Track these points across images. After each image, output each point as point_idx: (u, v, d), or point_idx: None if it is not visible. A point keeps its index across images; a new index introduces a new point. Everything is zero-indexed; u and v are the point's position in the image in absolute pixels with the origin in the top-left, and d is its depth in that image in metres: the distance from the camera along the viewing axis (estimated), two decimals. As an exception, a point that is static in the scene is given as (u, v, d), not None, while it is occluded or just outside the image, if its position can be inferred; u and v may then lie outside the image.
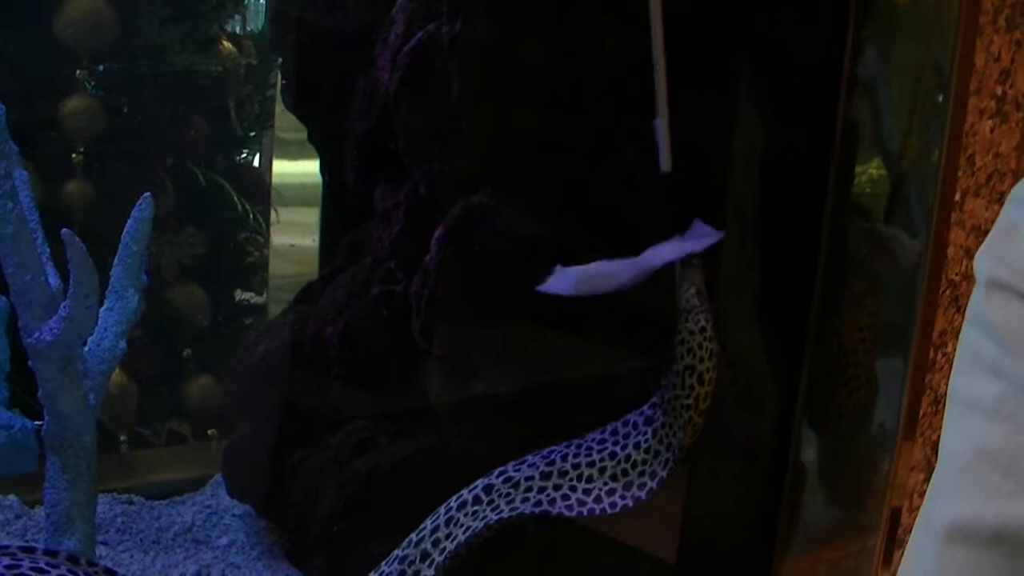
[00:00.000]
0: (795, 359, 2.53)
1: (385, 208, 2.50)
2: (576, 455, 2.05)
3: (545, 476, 2.03)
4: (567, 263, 2.23)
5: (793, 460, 2.63)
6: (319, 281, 2.70)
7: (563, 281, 1.98)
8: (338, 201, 2.84)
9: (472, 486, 2.03)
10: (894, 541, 2.59)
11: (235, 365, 2.90)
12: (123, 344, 2.19)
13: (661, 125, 2.10)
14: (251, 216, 3.32)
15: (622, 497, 1.98)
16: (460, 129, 2.33)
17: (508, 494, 2.03)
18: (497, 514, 1.99)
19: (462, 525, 2.03)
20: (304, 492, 2.52)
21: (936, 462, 0.88)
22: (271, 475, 2.62)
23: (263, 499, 2.69)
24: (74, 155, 3.19)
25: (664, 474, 1.97)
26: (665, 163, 2.08)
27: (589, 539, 2.33)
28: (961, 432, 0.84)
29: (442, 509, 2.05)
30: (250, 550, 2.71)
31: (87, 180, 3.16)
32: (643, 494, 1.97)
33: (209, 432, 3.26)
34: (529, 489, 2.02)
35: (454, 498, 2.04)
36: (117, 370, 3.16)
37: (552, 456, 2.04)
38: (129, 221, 2.17)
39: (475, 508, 2.02)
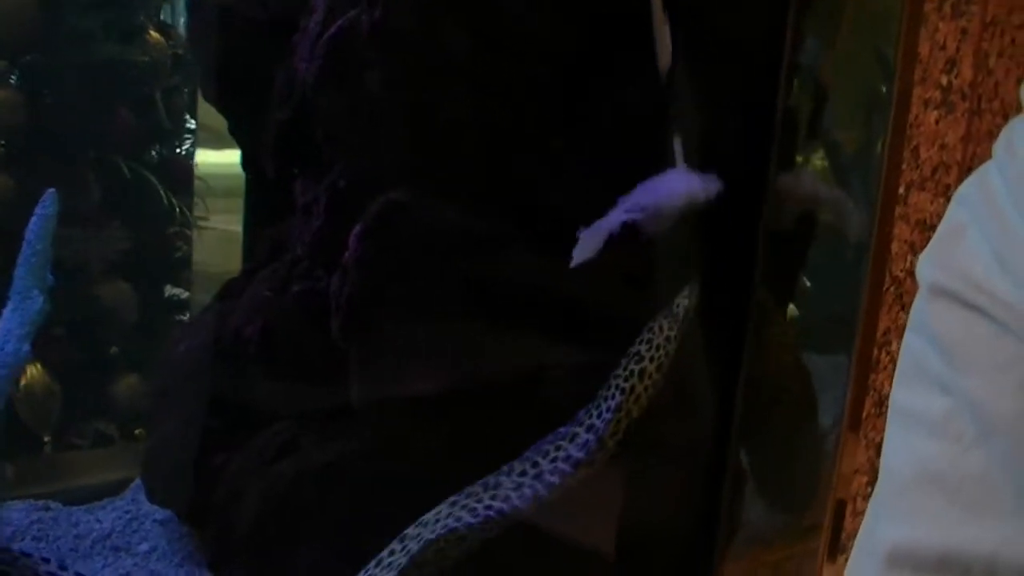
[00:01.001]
0: (733, 359, 2.44)
1: (306, 202, 2.39)
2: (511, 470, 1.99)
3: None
4: (490, 260, 2.13)
5: (731, 461, 2.54)
6: (242, 276, 2.58)
7: (590, 243, 1.94)
8: (261, 195, 2.72)
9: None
10: (839, 536, 2.52)
11: (156, 364, 2.78)
12: (26, 347, 2.07)
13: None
14: (178, 210, 3.18)
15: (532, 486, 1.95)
16: (380, 121, 2.22)
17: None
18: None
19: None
20: (226, 496, 2.40)
21: (880, 466, 0.84)
22: (192, 479, 2.50)
23: (184, 504, 2.57)
24: (-2, 149, 3.04)
25: (580, 456, 1.92)
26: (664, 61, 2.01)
27: (526, 542, 2.22)
28: (903, 448, 0.79)
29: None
30: (172, 556, 2.59)
31: (7, 175, 3.01)
32: (555, 478, 1.94)
33: (137, 432, 3.13)
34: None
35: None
36: (40, 369, 3.06)
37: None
38: (32, 219, 2.06)
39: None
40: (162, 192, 3.21)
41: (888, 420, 0.84)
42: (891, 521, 0.78)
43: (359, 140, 2.27)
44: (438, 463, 2.23)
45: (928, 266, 0.78)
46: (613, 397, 1.96)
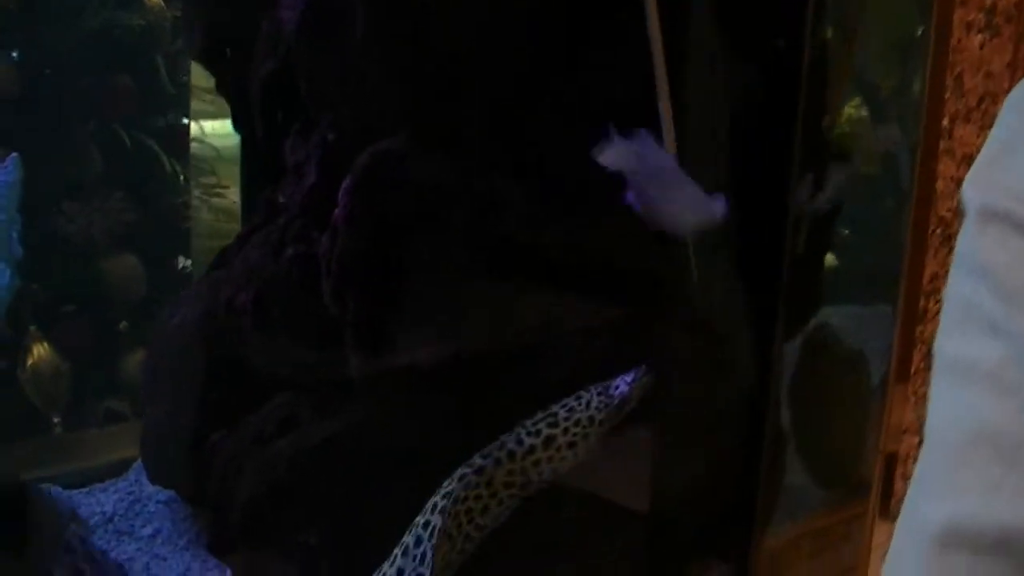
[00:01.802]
0: (769, 318, 2.25)
1: (297, 161, 2.18)
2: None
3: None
4: (484, 214, 1.92)
5: (771, 425, 2.31)
6: (236, 243, 2.37)
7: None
8: (254, 156, 2.51)
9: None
10: (891, 491, 2.32)
11: (149, 338, 2.59)
12: (-5, 325, 1.86)
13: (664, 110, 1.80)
14: (182, 178, 2.99)
15: None
16: (368, 69, 2.01)
17: None
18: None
19: None
20: (223, 476, 2.20)
21: (925, 430, 0.70)
22: (191, 458, 2.31)
23: (185, 485, 2.38)
24: (-9, 123, 2.85)
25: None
26: (670, 146, 1.77)
27: (556, 513, 2.05)
28: (952, 407, 0.66)
29: None
30: (177, 539, 2.41)
31: (4, 148, 2.81)
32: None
33: (148, 409, 2.94)
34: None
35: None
36: (47, 348, 2.89)
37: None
38: (-7, 187, 1.84)
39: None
40: (166, 160, 3.00)
41: (933, 375, 0.70)
42: (940, 495, 0.66)
43: (346, 90, 2.06)
44: (440, 436, 2.03)
45: (974, 188, 0.65)
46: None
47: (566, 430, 1.79)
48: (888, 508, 2.31)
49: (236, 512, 2.17)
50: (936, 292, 2.13)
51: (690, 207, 1.74)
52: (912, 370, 2.28)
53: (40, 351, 2.88)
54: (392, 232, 1.96)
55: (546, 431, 1.80)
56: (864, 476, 2.50)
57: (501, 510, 1.77)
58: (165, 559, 2.35)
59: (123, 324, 3.03)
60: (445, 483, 1.81)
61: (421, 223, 1.98)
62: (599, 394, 1.82)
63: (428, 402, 2.03)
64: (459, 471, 1.79)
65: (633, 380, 1.84)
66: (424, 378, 1.99)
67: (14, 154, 1.94)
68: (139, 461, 2.56)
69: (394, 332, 1.99)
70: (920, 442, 1.88)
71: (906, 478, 2.23)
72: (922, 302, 2.22)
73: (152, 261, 3.04)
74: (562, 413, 1.80)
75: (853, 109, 2.79)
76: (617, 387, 1.83)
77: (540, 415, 1.82)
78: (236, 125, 2.48)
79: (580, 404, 1.81)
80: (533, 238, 1.99)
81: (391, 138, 1.98)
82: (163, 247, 3.08)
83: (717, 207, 1.69)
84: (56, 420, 2.89)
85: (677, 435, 2.27)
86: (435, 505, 1.78)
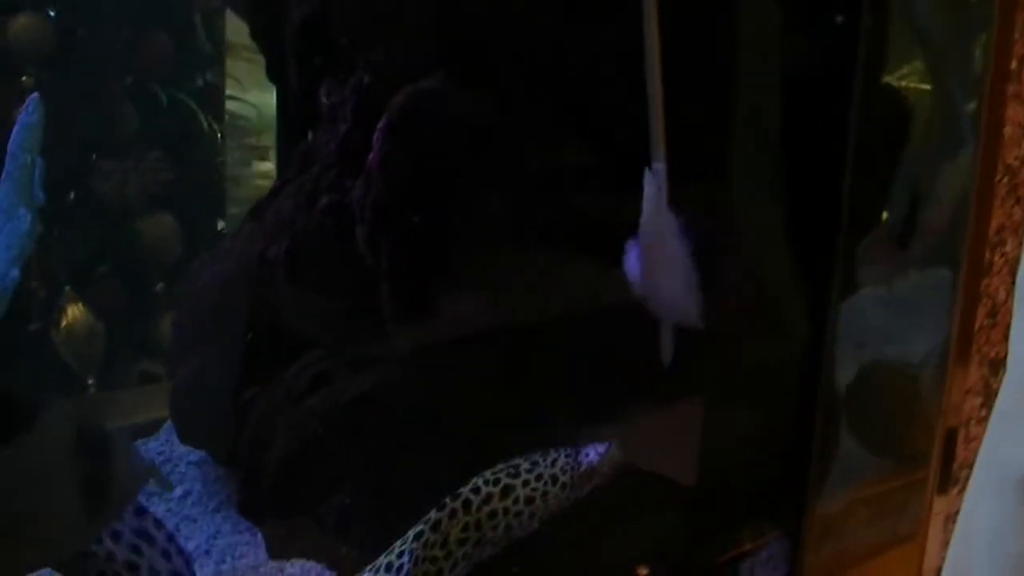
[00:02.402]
0: (824, 275, 2.14)
1: (331, 107, 2.05)
2: None
3: None
4: (529, 156, 1.77)
5: (824, 388, 2.15)
6: (269, 197, 2.24)
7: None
8: (290, 107, 2.38)
9: None
10: (950, 467, 2.16)
11: (179, 295, 2.46)
12: (15, 273, 1.74)
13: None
14: (219, 137, 2.86)
15: None
16: (404, 7, 1.87)
17: None
18: None
19: None
20: (254, 435, 2.08)
21: (997, 383, 0.69)
22: (221, 417, 2.18)
23: (214, 444, 2.26)
24: (23, 78, 2.73)
25: None
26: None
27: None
28: None
29: None
30: (207, 501, 2.28)
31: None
32: None
33: (185, 370, 2.81)
34: None
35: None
36: (82, 309, 2.77)
37: None
38: (15, 127, 1.74)
39: None
40: (204, 119, 2.87)
41: (1015, 312, 0.70)
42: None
43: (383, 30, 1.91)
44: (477, 394, 1.89)
45: None
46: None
47: (526, 482, 1.68)
48: (947, 484, 2.15)
49: (266, 472, 2.04)
50: (1002, 244, 1.97)
51: (679, 305, 1.73)
52: (976, 327, 2.11)
53: (74, 312, 2.77)
54: (430, 176, 1.82)
55: (505, 480, 1.68)
56: (921, 447, 2.33)
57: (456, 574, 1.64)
58: (195, 520, 2.23)
59: (159, 285, 2.90)
60: (399, 543, 1.70)
61: (461, 166, 1.83)
62: (567, 456, 1.72)
63: (466, 358, 1.88)
64: (415, 529, 1.68)
65: (605, 452, 1.74)
66: (463, 333, 1.84)
67: (35, 95, 1.80)
68: (169, 421, 2.43)
69: (431, 283, 1.84)
70: (983, 404, 1.70)
71: (969, 441, 2.06)
72: (987, 254, 2.05)
73: (188, 221, 2.90)
74: (525, 465, 1.70)
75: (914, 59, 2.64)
76: (587, 454, 1.73)
77: (502, 465, 1.71)
78: (270, 75, 2.34)
79: (545, 461, 1.71)
80: (578, 185, 1.84)
81: (429, 78, 1.83)
82: (200, 207, 2.94)
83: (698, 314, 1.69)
84: (90, 382, 2.77)
85: (728, 398, 2.12)
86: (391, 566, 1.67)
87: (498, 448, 1.90)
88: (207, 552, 2.14)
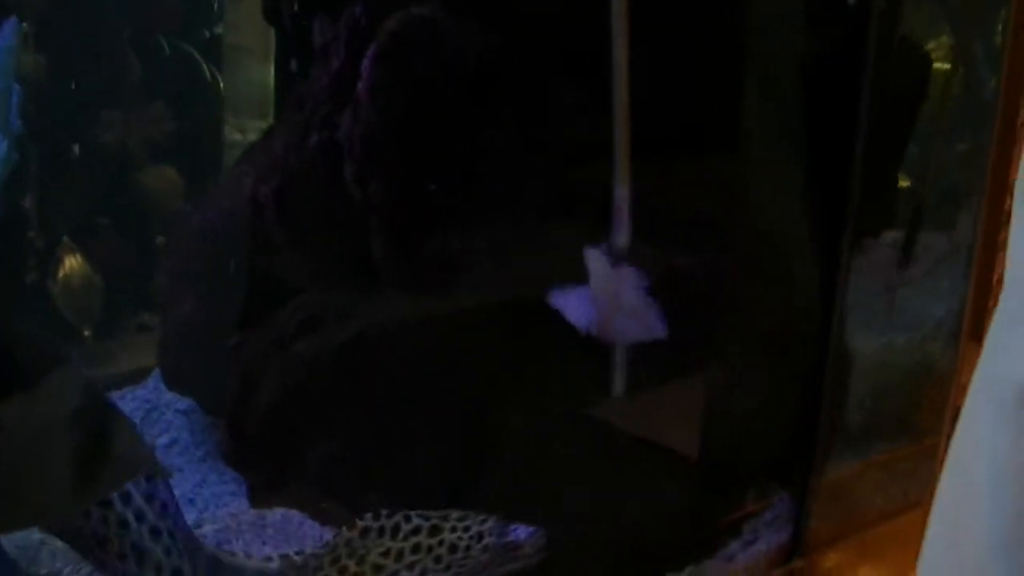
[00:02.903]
0: (835, 242, 2.05)
1: (324, 43, 1.95)
2: None
3: None
4: (525, 86, 1.65)
5: (834, 351, 2.04)
6: (263, 139, 2.13)
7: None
8: (284, 47, 2.27)
9: None
10: None
11: (169, 239, 2.36)
12: (-9, 198, 1.63)
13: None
14: (222, 87, 2.76)
15: None
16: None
17: None
18: None
19: None
20: (240, 381, 1.97)
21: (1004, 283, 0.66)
22: (208, 362, 2.08)
23: (200, 390, 2.16)
24: (24, 24, 2.63)
25: None
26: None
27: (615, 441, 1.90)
28: None
29: None
30: (194, 450, 2.19)
31: (38, 53, 2.60)
32: None
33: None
34: None
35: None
36: (80, 260, 2.68)
37: None
38: (-9, 53, 1.61)
39: None
40: (207, 70, 2.77)
41: (1014, 219, 0.67)
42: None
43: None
44: (471, 337, 1.78)
45: None
46: None
47: (453, 528, 1.60)
48: None
49: (250, 420, 1.93)
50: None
51: (636, 328, 1.70)
52: (989, 305, 1.98)
53: (72, 263, 2.68)
54: (421, 107, 1.70)
55: (435, 520, 1.60)
56: (932, 417, 2.21)
57: None
58: (181, 470, 2.14)
59: (160, 238, 2.80)
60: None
61: (454, 98, 1.72)
62: (497, 524, 1.64)
63: (458, 299, 1.77)
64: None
65: (532, 534, 1.67)
66: (454, 272, 1.73)
67: (12, 19, 1.70)
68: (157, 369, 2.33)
69: (422, 219, 1.73)
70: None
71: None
72: (1002, 232, 1.93)
73: (191, 174, 2.80)
74: (456, 515, 1.62)
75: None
76: (515, 530, 1.66)
77: (436, 512, 1.62)
78: (267, 16, 2.24)
79: (477, 519, 1.63)
80: (578, 117, 1.73)
81: (423, 5, 1.72)
82: (203, 159, 2.84)
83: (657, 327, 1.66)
84: (87, 334, 2.67)
85: (736, 361, 2.01)
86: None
87: (493, 393, 1.80)
88: (191, 501, 2.05)
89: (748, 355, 2.05)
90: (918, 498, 2.06)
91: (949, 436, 2.16)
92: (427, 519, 1.59)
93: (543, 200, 1.77)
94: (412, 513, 1.59)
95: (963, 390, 2.10)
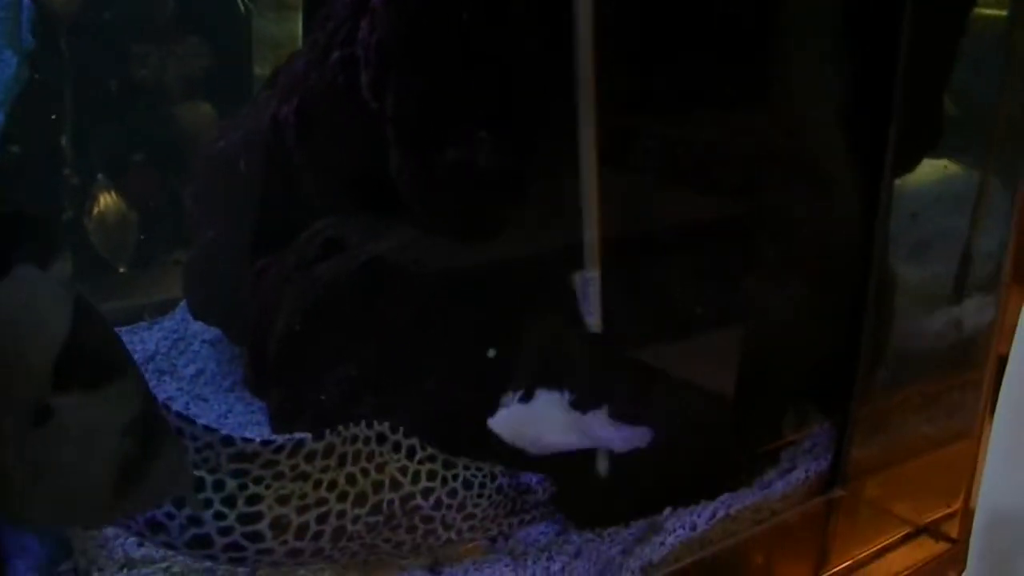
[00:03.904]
0: (874, 166, 1.95)
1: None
2: None
3: None
4: None
5: (876, 274, 1.92)
6: (286, 63, 2.04)
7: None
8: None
9: None
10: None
11: (193, 165, 2.27)
12: (0, 117, 1.55)
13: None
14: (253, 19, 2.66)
15: None
16: None
17: None
18: None
19: None
20: (262, 306, 1.89)
21: None
22: (232, 289, 2.00)
23: (225, 318, 2.08)
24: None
25: None
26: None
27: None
28: None
29: None
30: (220, 380, 2.12)
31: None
32: None
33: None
34: None
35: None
36: (114, 197, 2.62)
37: None
38: (-2, -35, 1.53)
39: None
40: (240, 3, 2.67)
41: None
42: None
43: None
44: (492, 256, 1.68)
45: None
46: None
47: (467, 466, 1.57)
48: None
49: (272, 343, 1.85)
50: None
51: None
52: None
53: (106, 200, 2.61)
54: (435, 11, 1.60)
55: (449, 457, 1.55)
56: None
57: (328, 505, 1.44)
58: (207, 400, 2.06)
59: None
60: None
61: (475, 6, 1.61)
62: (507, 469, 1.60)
63: (478, 214, 1.67)
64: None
65: (543, 479, 1.65)
66: (472, 186, 1.63)
67: (18, -69, 1.61)
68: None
69: (437, 130, 1.63)
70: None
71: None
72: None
73: (227, 108, 2.71)
74: (467, 460, 1.58)
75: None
76: (525, 476, 1.63)
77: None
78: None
79: (488, 464, 1.59)
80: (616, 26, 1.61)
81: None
82: (239, 93, 2.75)
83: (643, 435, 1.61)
84: (121, 271, 2.61)
85: (776, 285, 1.89)
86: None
87: (515, 317, 1.70)
88: (218, 432, 1.97)
89: (789, 278, 1.93)
90: (965, 428, 1.93)
91: (992, 392, 2.03)
92: (441, 453, 1.53)
93: (565, 108, 1.66)
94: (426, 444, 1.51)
95: (1007, 334, 1.97)
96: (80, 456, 0.95)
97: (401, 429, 1.49)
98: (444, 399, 1.74)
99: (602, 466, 1.70)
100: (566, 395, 1.60)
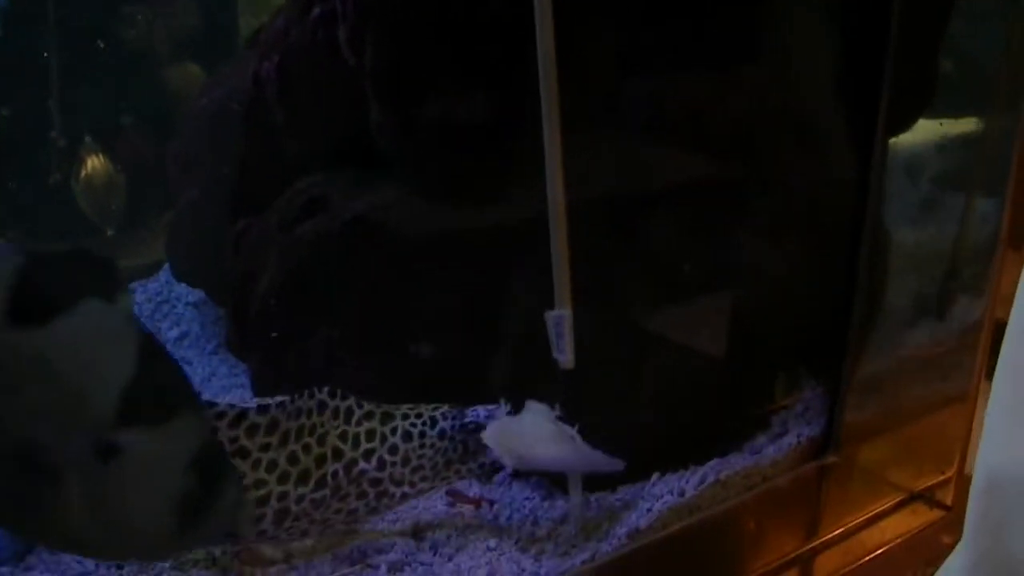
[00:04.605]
0: (871, 123, 1.89)
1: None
2: None
3: None
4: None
5: (869, 234, 1.86)
6: (269, 20, 1.98)
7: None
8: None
9: None
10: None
11: (176, 125, 2.22)
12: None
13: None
14: (243, -22, 2.61)
15: None
16: None
17: None
18: None
19: None
20: (243, 267, 1.84)
21: None
22: (213, 250, 1.94)
23: (207, 279, 2.03)
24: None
25: None
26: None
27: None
28: None
29: None
30: (204, 343, 2.07)
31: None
32: None
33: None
34: None
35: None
36: (102, 160, 2.58)
37: None
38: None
39: None
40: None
41: None
42: None
43: None
44: (474, 219, 1.63)
45: None
46: None
47: (405, 415, 1.47)
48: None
49: (254, 304, 1.80)
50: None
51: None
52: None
53: (94, 162, 2.56)
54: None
55: (387, 408, 1.47)
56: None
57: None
58: (191, 363, 2.02)
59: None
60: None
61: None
62: (450, 408, 1.51)
63: (460, 171, 1.61)
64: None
65: (493, 412, 1.54)
66: (454, 139, 1.57)
67: None
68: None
69: (415, 84, 1.57)
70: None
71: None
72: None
73: (214, 69, 2.65)
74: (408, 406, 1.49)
75: None
76: (473, 412, 1.53)
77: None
78: None
79: (429, 407, 1.50)
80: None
81: None
82: (228, 55, 2.69)
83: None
84: (109, 233, 2.56)
85: (767, 238, 1.84)
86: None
87: (500, 278, 1.64)
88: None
89: (782, 238, 1.88)
90: (960, 392, 1.88)
91: (988, 350, 1.98)
92: (379, 407, 1.45)
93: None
94: (364, 400, 1.43)
95: (1003, 301, 1.91)
96: (143, 491, 0.95)
97: (339, 392, 1.42)
98: (427, 360, 1.69)
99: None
100: (556, 409, 1.55)
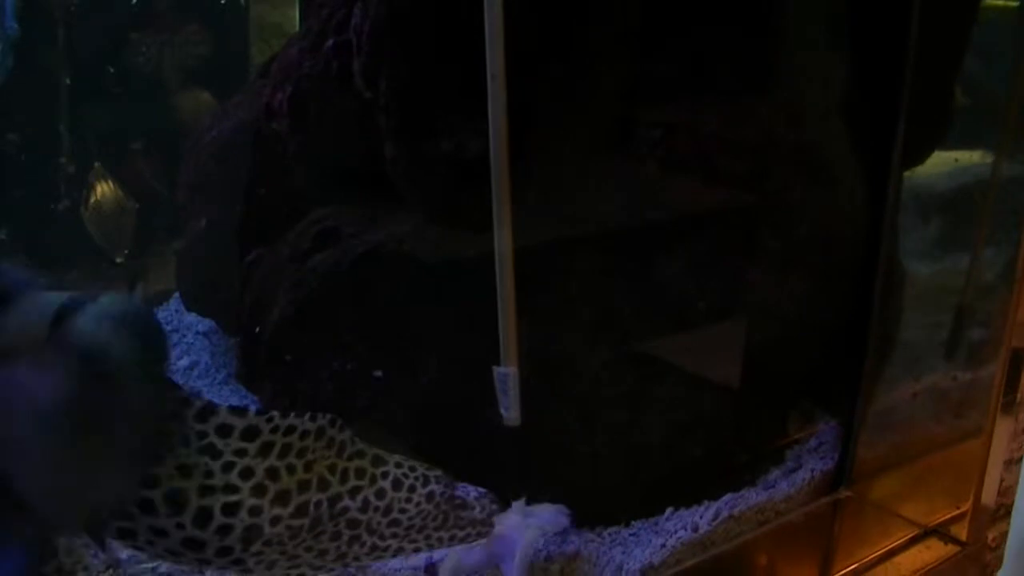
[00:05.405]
0: (886, 155, 1.90)
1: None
2: None
3: None
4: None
5: (883, 268, 1.84)
6: (280, 50, 1.96)
7: None
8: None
9: None
10: (1015, 391, 1.83)
11: (185, 153, 2.20)
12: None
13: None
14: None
15: None
16: None
17: None
18: None
19: None
20: (255, 298, 1.82)
21: None
22: (224, 280, 1.93)
23: (218, 309, 2.01)
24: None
25: None
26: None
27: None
28: None
29: None
30: (215, 372, 2.05)
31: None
32: None
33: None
34: None
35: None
36: (111, 186, 2.56)
37: None
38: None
39: None
40: (239, -11, 2.61)
41: None
42: None
43: None
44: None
45: None
46: None
47: (399, 464, 1.38)
48: (1012, 404, 1.82)
49: (264, 337, 1.78)
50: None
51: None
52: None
53: (104, 189, 2.55)
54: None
55: (380, 452, 1.37)
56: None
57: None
58: (201, 393, 1.97)
59: (192, 162, 2.65)
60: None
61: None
62: (445, 475, 1.42)
63: (474, 204, 1.59)
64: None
65: (482, 495, 1.49)
66: (472, 175, 1.55)
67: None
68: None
69: (430, 117, 1.55)
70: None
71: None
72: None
73: (225, 97, 2.64)
74: (398, 457, 1.40)
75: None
76: (463, 487, 1.48)
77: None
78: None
79: (424, 465, 1.41)
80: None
81: None
82: (239, 82, 2.68)
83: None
84: (119, 261, 2.54)
85: (781, 277, 1.82)
86: None
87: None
88: (206, 424, 1.90)
89: (796, 272, 1.86)
90: (975, 426, 1.85)
91: (1003, 387, 1.95)
92: (371, 448, 1.37)
93: (558, 96, 1.58)
94: (357, 438, 1.38)
95: (1020, 328, 1.89)
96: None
97: (339, 423, 1.35)
98: (439, 393, 1.67)
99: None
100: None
